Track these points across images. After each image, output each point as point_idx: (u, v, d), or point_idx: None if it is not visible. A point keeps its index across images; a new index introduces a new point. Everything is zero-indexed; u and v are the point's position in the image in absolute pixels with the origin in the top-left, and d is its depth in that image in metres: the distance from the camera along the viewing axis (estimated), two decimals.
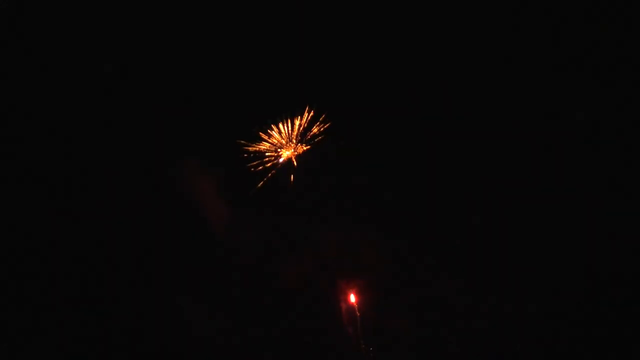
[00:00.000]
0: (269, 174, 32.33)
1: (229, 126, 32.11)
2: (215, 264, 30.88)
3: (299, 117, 32.51)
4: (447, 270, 29.46)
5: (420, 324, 29.18)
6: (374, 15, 31.29)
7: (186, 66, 32.17)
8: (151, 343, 29.85)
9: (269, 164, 32.52)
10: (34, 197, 30.85)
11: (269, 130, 32.79)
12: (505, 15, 30.20)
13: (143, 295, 30.40)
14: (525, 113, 29.88)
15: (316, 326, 29.94)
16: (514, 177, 29.64)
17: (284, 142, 32.82)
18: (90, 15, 31.46)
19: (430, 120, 30.79)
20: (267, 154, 32.77)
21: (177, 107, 31.96)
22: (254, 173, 32.39)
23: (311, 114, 32.21)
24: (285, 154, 32.76)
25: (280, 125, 32.77)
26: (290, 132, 32.72)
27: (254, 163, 32.39)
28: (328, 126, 32.09)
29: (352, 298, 30.44)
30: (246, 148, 32.45)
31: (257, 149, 32.67)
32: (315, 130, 32.22)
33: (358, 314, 30.19)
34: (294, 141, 32.70)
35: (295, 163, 32.57)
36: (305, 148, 32.58)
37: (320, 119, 32.15)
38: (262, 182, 32.27)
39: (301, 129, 32.53)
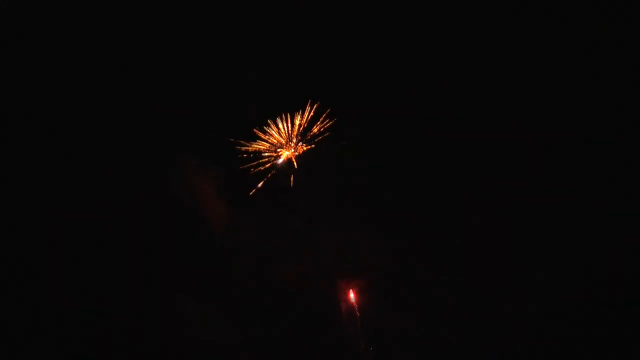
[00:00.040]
0: (269, 174, 31.85)
1: (225, 124, 31.64)
2: (215, 264, 30.84)
3: (300, 114, 31.65)
4: (447, 270, 29.46)
5: (420, 324, 29.18)
6: (379, 10, 31.25)
7: (181, 61, 32.05)
8: (151, 343, 29.84)
9: (268, 165, 31.92)
10: (34, 197, 30.84)
11: (267, 129, 31.96)
12: (506, 15, 30.23)
13: (143, 295, 30.37)
14: (525, 113, 29.88)
15: (316, 326, 29.93)
16: (514, 177, 29.65)
17: (283, 141, 32.10)
18: (90, 15, 31.48)
19: (430, 120, 30.79)
20: (265, 154, 31.97)
21: (171, 103, 31.74)
22: (249, 174, 31.66)
23: (312, 111, 31.59)
24: (285, 154, 32.15)
25: (280, 124, 31.89)
26: (290, 130, 31.93)
27: (252, 164, 31.73)
28: (330, 125, 31.36)
29: (352, 298, 30.42)
30: (243, 148, 31.66)
31: (255, 148, 31.85)
32: (315, 130, 31.74)
33: (358, 314, 30.19)
34: (294, 140, 32.06)
35: (295, 164, 32.04)
36: (306, 148, 32.09)
37: (322, 118, 31.48)
38: (260, 184, 31.64)
39: (302, 127, 31.80)
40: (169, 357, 29.90)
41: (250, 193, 31.65)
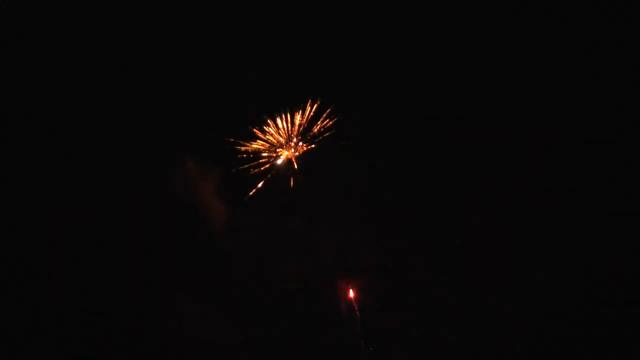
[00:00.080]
0: (269, 175, 31.44)
1: (225, 124, 31.16)
2: (215, 264, 30.83)
3: (301, 112, 30.74)
4: (447, 270, 29.46)
5: (420, 324, 29.18)
6: (380, 10, 31.24)
7: (181, 61, 31.96)
8: (151, 343, 29.84)
9: (267, 165, 31.34)
10: (34, 197, 30.85)
11: (265, 127, 31.17)
12: (506, 15, 30.23)
13: (143, 295, 30.37)
14: (525, 113, 29.88)
15: (316, 326, 29.93)
16: (514, 177, 29.65)
17: (282, 140, 31.45)
18: (90, 15, 31.49)
19: (430, 120, 30.78)
20: (263, 154, 31.21)
21: (171, 103, 31.60)
22: (249, 174, 31.03)
23: (312, 111, 30.90)
24: (285, 154, 31.64)
25: (279, 121, 31.00)
26: (290, 130, 31.25)
27: (252, 164, 31.13)
28: (331, 125, 30.67)
29: (352, 297, 30.41)
30: (242, 148, 30.87)
31: (255, 149, 31.07)
32: (316, 130, 31.33)
33: (358, 314, 30.18)
34: (295, 140, 31.53)
35: (295, 165, 31.47)
36: (306, 148, 31.62)
37: (323, 117, 30.74)
38: (259, 186, 31.03)
39: (302, 127, 31.13)
40: (169, 357, 29.90)
41: (250, 194, 31.44)
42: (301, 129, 31.44)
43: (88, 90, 31.64)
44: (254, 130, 31.24)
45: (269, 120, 31.26)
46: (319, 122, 31.17)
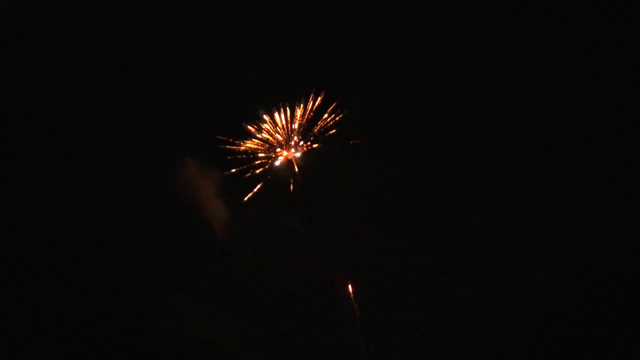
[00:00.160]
0: (268, 176, 30.38)
1: (225, 124, 30.34)
2: (215, 264, 30.83)
3: (302, 105, 28.35)
4: (447, 270, 29.47)
5: (420, 324, 29.19)
6: (380, 10, 31.21)
7: (181, 61, 31.85)
8: (151, 343, 29.85)
9: (266, 166, 30.03)
10: (34, 197, 30.86)
11: (262, 125, 29.19)
12: (506, 15, 30.25)
13: (143, 295, 30.38)
14: (525, 113, 29.90)
15: (316, 326, 29.93)
16: (513, 177, 29.67)
17: (281, 139, 29.72)
18: (90, 15, 31.51)
19: (430, 120, 30.79)
20: (260, 154, 29.23)
21: (170, 103, 31.43)
22: (244, 178, 29.40)
23: (312, 111, 29.40)
24: (284, 154, 30.34)
25: (277, 117, 28.61)
26: (290, 126, 29.29)
27: (252, 164, 29.79)
28: (331, 124, 29.06)
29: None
30: (242, 148, 28.78)
31: (254, 149, 29.20)
32: (316, 130, 30.82)
33: (358, 314, 30.19)
34: (295, 139, 30.23)
35: (296, 167, 29.95)
36: (306, 149, 30.59)
37: (329, 111, 28.61)
38: (258, 186, 29.67)
39: (303, 126, 29.37)
40: (169, 357, 29.91)
41: (249, 195, 30.99)
42: (301, 129, 30.10)
43: (88, 90, 31.68)
44: (250, 128, 29.10)
45: (266, 117, 28.96)
46: (319, 122, 29.47)
